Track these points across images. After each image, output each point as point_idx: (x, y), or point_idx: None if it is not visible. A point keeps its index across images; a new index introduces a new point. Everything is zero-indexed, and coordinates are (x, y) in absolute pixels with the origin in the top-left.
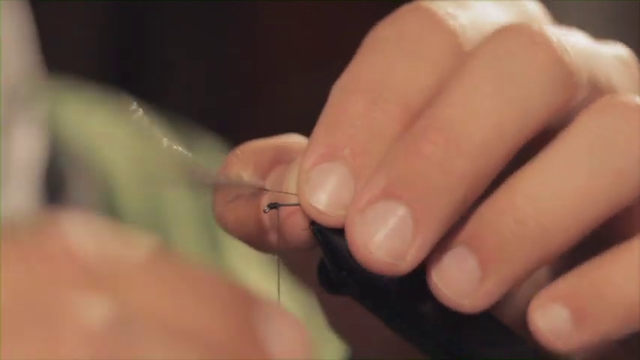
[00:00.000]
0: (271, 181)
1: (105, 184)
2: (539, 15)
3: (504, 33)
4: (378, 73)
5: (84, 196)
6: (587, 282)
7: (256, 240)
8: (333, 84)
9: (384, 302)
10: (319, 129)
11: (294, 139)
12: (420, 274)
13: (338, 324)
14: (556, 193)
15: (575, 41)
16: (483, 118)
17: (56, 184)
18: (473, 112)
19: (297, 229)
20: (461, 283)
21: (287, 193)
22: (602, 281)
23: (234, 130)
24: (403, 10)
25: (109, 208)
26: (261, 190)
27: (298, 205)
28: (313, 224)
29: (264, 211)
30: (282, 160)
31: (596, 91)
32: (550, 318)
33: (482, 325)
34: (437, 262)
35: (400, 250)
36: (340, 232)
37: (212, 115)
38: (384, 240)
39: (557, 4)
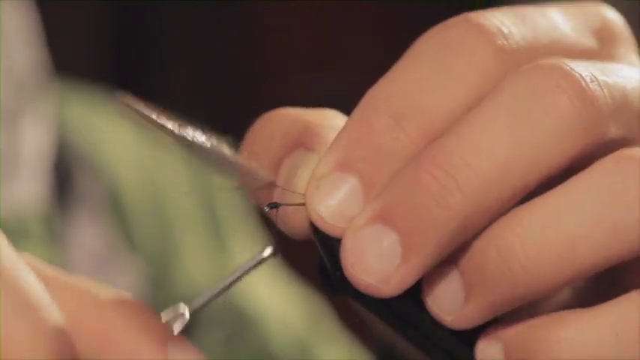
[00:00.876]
0: (286, 167)
1: (109, 183)
2: (615, 26)
3: (531, 71)
4: (409, 91)
5: (90, 190)
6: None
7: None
8: (333, 84)
9: (382, 303)
10: (341, 137)
11: (328, 118)
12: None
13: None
14: (546, 237)
15: (613, 84)
16: (488, 157)
17: (64, 178)
18: (478, 150)
19: (298, 220)
20: (445, 301)
21: (295, 192)
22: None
23: (234, 131)
24: (452, 22)
25: (114, 207)
26: (272, 184)
27: (303, 204)
28: (313, 225)
29: (266, 210)
30: (304, 142)
31: (634, 130)
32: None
33: (479, 328)
34: (430, 275)
35: (386, 274)
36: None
37: (212, 115)
38: (371, 262)
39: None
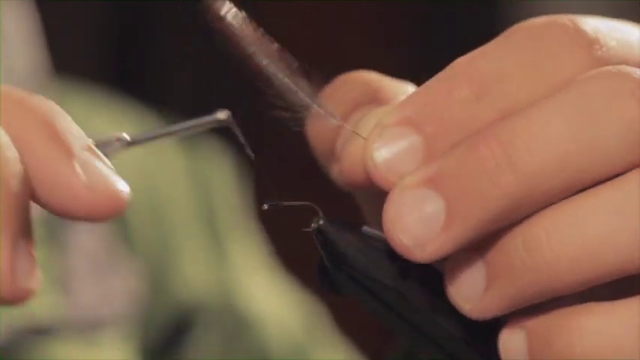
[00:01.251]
0: (356, 117)
1: None
2: None
3: (610, 72)
4: (497, 72)
5: None
6: None
7: (325, 162)
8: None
9: (382, 302)
10: (417, 94)
11: (404, 87)
12: (419, 276)
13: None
14: (573, 235)
15: None
16: (550, 145)
17: None
18: (541, 136)
19: (355, 164)
20: (466, 289)
21: (360, 135)
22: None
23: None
24: (551, 20)
25: None
26: (341, 123)
27: (310, 206)
28: (314, 225)
29: (263, 209)
30: (378, 100)
31: None
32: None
33: (481, 328)
34: (453, 261)
35: (423, 239)
36: (340, 232)
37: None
38: (411, 224)
39: (557, 4)
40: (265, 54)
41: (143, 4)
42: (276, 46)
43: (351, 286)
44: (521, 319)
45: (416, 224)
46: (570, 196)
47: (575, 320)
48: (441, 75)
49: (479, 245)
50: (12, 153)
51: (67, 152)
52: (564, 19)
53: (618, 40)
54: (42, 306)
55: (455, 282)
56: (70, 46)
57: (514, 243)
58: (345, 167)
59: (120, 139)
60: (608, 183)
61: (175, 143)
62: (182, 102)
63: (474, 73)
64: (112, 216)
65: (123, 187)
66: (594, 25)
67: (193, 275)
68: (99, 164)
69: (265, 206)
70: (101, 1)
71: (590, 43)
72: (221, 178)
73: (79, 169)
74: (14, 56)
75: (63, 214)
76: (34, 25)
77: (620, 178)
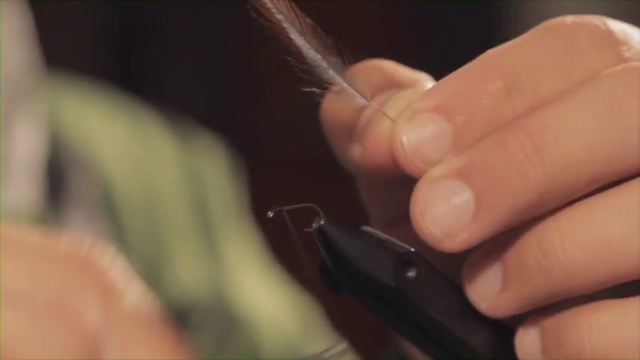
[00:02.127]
0: (382, 99)
1: (102, 182)
2: None
3: (634, 68)
4: (530, 67)
5: (83, 190)
6: None
7: (342, 143)
8: None
9: (384, 302)
10: (450, 82)
11: (427, 80)
12: (419, 276)
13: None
14: (587, 237)
15: None
16: (577, 137)
17: (57, 179)
18: (569, 128)
19: (380, 145)
20: (483, 288)
21: (387, 115)
22: None
23: (234, 130)
24: (583, 21)
25: (107, 207)
26: (366, 102)
27: (312, 205)
28: (315, 225)
29: (269, 215)
30: (400, 86)
31: None
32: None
33: (485, 331)
34: (472, 260)
35: (452, 230)
36: (341, 232)
37: (212, 115)
38: (441, 215)
39: (556, 4)
40: (298, 29)
41: (143, 4)
42: (309, 21)
43: (351, 286)
44: (535, 317)
45: (445, 215)
46: (585, 197)
47: (586, 317)
48: (473, 65)
49: (496, 246)
50: None
51: None
52: (595, 19)
53: None
54: None
55: (472, 281)
56: (70, 46)
57: (529, 244)
58: (368, 147)
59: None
60: (625, 184)
61: (169, 140)
62: (182, 102)
63: (507, 65)
64: None
65: None
66: (623, 27)
67: (186, 273)
68: None
69: (270, 214)
70: (101, 1)
71: (618, 43)
72: (215, 176)
73: None
74: (7, 58)
75: None
76: (27, 26)
77: (636, 179)
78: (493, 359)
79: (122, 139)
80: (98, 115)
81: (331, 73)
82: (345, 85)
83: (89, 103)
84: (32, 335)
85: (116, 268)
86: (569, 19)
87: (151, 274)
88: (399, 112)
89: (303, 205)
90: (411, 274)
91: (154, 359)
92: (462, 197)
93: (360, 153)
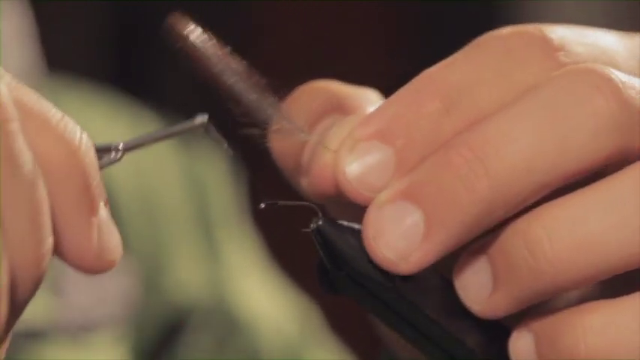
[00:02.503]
0: (322, 127)
1: (102, 182)
2: None
3: (571, 72)
4: (466, 83)
5: None
6: None
7: (293, 175)
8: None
9: (382, 303)
10: (387, 106)
11: (368, 95)
12: (419, 276)
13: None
14: (574, 233)
15: None
16: (518, 146)
17: None
18: (510, 138)
19: (325, 176)
20: (475, 291)
21: (327, 148)
22: None
23: (234, 130)
24: (519, 31)
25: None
26: (307, 136)
27: (306, 204)
28: (313, 225)
29: (260, 207)
30: (343, 109)
31: None
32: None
33: (482, 330)
34: (461, 264)
35: (406, 251)
36: (339, 232)
37: (212, 115)
38: (393, 238)
39: (556, 4)
40: (231, 72)
41: (143, 4)
42: (242, 63)
43: (350, 287)
44: (528, 320)
45: (397, 238)
46: (559, 194)
47: (579, 319)
48: (410, 86)
49: (483, 247)
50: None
51: (92, 211)
52: (531, 27)
53: (586, 45)
54: (34, 308)
55: (463, 284)
56: (70, 46)
57: (516, 243)
58: (314, 180)
59: (115, 149)
60: (607, 178)
61: (170, 143)
62: (182, 102)
63: (443, 84)
64: (101, 273)
65: (119, 252)
66: (561, 32)
67: (187, 275)
68: (110, 226)
69: (262, 205)
70: (101, 1)
71: (556, 49)
72: (215, 178)
73: (95, 234)
74: (8, 58)
75: (60, 258)
76: (28, 26)
77: (617, 173)
78: (489, 359)
79: (122, 137)
80: (98, 116)
81: (269, 112)
82: (284, 122)
83: (89, 105)
84: None
85: None
86: (505, 30)
87: (151, 275)
88: (340, 142)
89: (300, 203)
90: (410, 274)
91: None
92: (411, 218)
93: (308, 185)
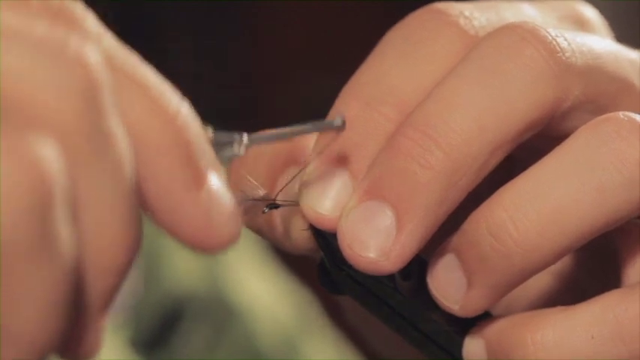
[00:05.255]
0: (282, 183)
1: None
2: (588, 18)
3: (498, 31)
4: (375, 76)
5: None
6: None
7: (270, 238)
8: (333, 84)
9: (383, 302)
10: (320, 135)
11: (310, 137)
12: (418, 276)
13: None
14: (535, 207)
15: (582, 43)
16: (462, 111)
17: None
18: (452, 106)
19: (299, 230)
20: (450, 290)
21: (295, 203)
22: None
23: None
24: (415, 13)
25: None
26: (268, 200)
27: (297, 204)
28: (312, 225)
29: (264, 212)
30: (296, 160)
31: (608, 93)
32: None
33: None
34: (432, 266)
35: (384, 248)
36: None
37: (212, 115)
38: (368, 239)
39: None
40: None
41: (143, 4)
42: None
43: (350, 286)
44: (481, 327)
45: (372, 237)
46: (520, 171)
47: (530, 334)
48: (333, 106)
49: (450, 243)
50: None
51: (199, 183)
52: (427, 6)
53: (487, 12)
54: None
55: (438, 286)
56: None
57: (480, 232)
58: (296, 242)
59: (238, 140)
60: (556, 149)
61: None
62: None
63: (359, 86)
64: (218, 252)
65: (238, 227)
66: (460, 4)
67: (184, 265)
68: (223, 193)
69: (266, 210)
70: (101, 0)
71: (452, 16)
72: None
73: (205, 203)
74: None
75: (169, 233)
76: None
77: (566, 140)
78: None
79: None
80: None
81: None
82: (241, 196)
83: None
84: (36, 71)
85: (90, 16)
86: (402, 20)
87: (149, 265)
88: (300, 194)
89: (295, 202)
90: (410, 273)
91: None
92: (380, 215)
93: (291, 248)
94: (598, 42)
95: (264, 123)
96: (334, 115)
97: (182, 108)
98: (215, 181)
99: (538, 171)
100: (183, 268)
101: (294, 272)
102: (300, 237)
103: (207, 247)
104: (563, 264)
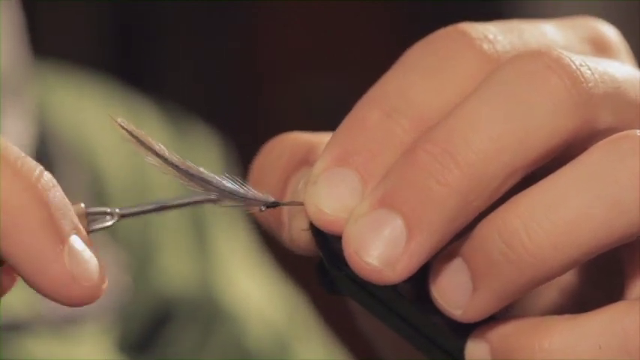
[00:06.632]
0: (293, 185)
1: (94, 173)
2: (610, 37)
3: (522, 57)
4: (398, 88)
5: (73, 181)
6: None
7: (278, 236)
8: (333, 84)
9: (382, 302)
10: (335, 135)
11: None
12: (418, 276)
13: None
14: (549, 218)
15: (604, 71)
16: (483, 132)
17: (46, 169)
18: (474, 126)
19: (299, 230)
20: (454, 294)
21: (291, 203)
22: None
23: (233, 130)
24: (440, 32)
25: (97, 197)
26: (275, 203)
27: (298, 204)
28: (313, 225)
29: (261, 210)
30: (310, 161)
31: (627, 121)
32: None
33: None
34: (435, 271)
35: (391, 258)
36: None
37: (212, 115)
38: (376, 247)
39: (556, 4)
40: (193, 170)
41: (143, 4)
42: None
43: (350, 287)
44: (485, 329)
45: (380, 246)
46: (536, 181)
47: (537, 340)
48: (353, 110)
49: (456, 248)
50: None
51: (59, 240)
52: (453, 27)
53: (510, 35)
54: (17, 301)
55: (441, 290)
56: (69, 46)
57: (491, 238)
58: (296, 243)
59: (111, 214)
60: (574, 160)
61: (164, 133)
62: (182, 101)
63: (381, 95)
64: (85, 304)
65: (103, 278)
66: (483, 25)
67: (174, 266)
68: (86, 253)
69: (263, 208)
70: (101, 0)
71: (476, 39)
72: (208, 166)
73: (67, 260)
74: (2, 47)
75: (37, 291)
76: (16, 20)
77: (583, 153)
78: None
79: (116, 130)
80: (93, 107)
81: (228, 191)
82: (244, 196)
83: (84, 96)
84: None
85: None
86: (428, 37)
87: (139, 266)
88: (304, 192)
89: (300, 202)
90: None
91: None
92: (391, 224)
93: (290, 243)
94: (619, 69)
95: (265, 123)
96: (353, 115)
97: (44, 176)
98: (78, 242)
99: (554, 182)
100: (172, 269)
101: (286, 273)
102: (300, 237)
103: (69, 302)
104: (568, 274)
